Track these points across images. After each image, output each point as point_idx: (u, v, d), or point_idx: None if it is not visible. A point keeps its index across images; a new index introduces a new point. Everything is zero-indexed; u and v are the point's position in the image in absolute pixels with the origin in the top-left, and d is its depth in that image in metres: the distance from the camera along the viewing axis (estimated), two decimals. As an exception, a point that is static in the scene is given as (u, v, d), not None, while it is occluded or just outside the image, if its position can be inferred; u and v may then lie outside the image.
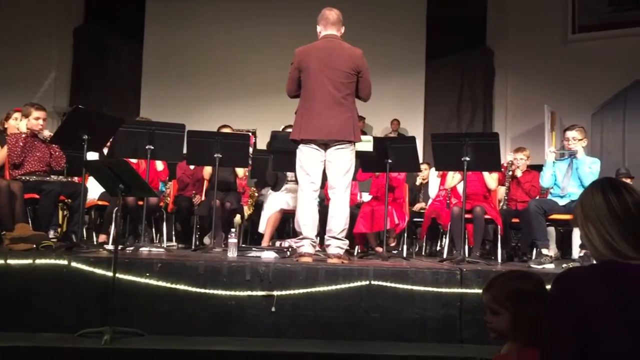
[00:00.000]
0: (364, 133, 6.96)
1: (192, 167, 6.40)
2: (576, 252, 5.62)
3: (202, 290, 3.82)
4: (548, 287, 1.73)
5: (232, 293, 3.82)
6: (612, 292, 1.59)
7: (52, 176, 5.26)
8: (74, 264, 3.82)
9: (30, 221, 4.95)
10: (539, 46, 10.46)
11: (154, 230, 6.60)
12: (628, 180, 6.68)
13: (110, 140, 5.45)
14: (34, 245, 4.30)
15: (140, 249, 4.97)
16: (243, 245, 5.59)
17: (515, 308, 1.91)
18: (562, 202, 5.25)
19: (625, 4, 10.14)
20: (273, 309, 3.80)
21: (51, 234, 5.10)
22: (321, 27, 4.68)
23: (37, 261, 3.83)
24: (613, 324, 1.57)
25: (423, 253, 6.76)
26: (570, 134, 5.38)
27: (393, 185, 5.96)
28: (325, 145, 4.56)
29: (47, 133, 5.26)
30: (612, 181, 1.76)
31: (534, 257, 5.22)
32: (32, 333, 3.60)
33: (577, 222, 1.76)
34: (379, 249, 5.71)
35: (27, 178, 5.09)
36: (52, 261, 3.84)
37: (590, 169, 5.22)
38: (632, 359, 1.56)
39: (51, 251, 4.19)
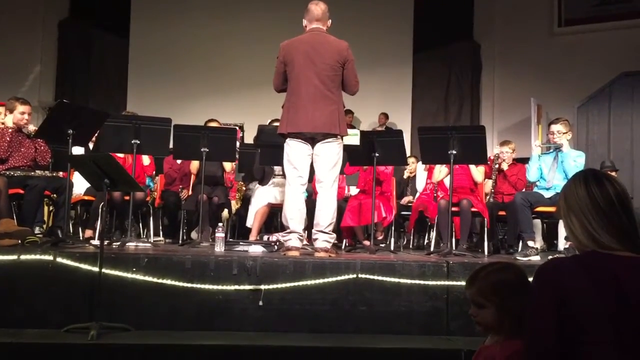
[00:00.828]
0: (352, 127, 6.97)
1: (179, 161, 6.37)
2: (562, 244, 5.67)
3: (189, 285, 3.81)
4: (531, 278, 1.74)
5: (220, 287, 3.82)
6: (594, 283, 1.60)
7: (37, 171, 5.21)
8: (59, 259, 3.80)
9: (15, 216, 4.91)
10: (526, 39, 10.49)
11: (140, 225, 6.57)
12: (613, 174, 6.75)
13: (96, 134, 5.41)
14: (19, 241, 4.28)
15: (127, 244, 4.95)
16: (230, 240, 5.57)
17: (501, 300, 1.91)
18: (547, 194, 5.28)
19: (611, -4, 10.21)
20: (260, 303, 3.80)
21: (36, 230, 5.05)
22: (307, 22, 4.66)
23: (22, 257, 3.80)
24: (595, 314, 1.58)
25: (410, 246, 6.78)
26: (554, 127, 5.41)
27: (380, 178, 5.97)
28: (312, 139, 4.56)
29: (32, 128, 5.21)
30: (594, 173, 1.77)
31: (520, 249, 5.26)
32: (18, 329, 3.58)
33: (561, 214, 1.77)
34: (367, 243, 5.72)
35: (12, 173, 5.03)
36: (38, 257, 3.81)
37: (576, 162, 5.25)
38: (613, 349, 1.58)
39: (36, 247, 4.16)
